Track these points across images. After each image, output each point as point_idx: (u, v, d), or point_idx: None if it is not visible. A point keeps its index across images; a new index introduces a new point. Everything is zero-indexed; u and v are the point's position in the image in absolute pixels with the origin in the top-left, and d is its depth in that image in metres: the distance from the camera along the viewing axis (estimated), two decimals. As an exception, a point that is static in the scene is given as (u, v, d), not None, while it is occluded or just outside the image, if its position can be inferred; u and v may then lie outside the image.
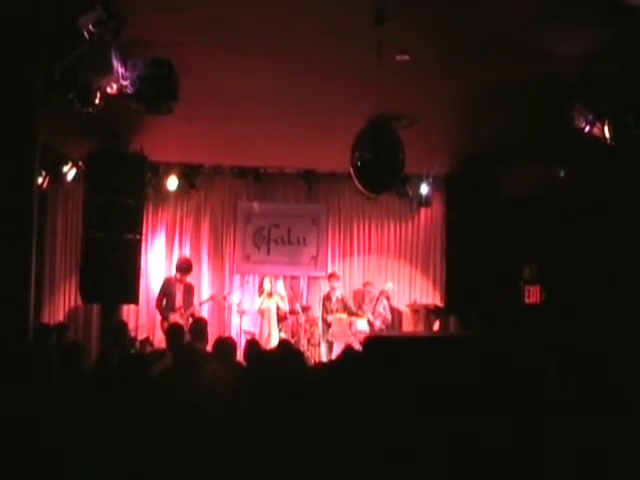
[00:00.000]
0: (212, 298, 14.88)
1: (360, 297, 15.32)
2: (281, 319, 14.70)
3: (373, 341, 6.75)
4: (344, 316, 14.41)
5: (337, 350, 13.58)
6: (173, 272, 14.50)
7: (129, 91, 8.06)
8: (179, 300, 13.91)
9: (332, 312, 14.56)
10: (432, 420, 4.61)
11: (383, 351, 5.31)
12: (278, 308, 14.58)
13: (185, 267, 14.18)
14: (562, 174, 12.64)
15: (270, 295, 14.57)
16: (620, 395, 5.01)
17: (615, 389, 5.08)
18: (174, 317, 13.43)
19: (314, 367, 7.63)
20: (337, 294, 14.76)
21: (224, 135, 12.30)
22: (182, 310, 13.74)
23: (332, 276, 14.94)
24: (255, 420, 4.80)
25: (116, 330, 10.54)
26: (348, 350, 6.93)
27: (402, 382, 4.82)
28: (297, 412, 4.85)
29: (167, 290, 13.89)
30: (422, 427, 4.56)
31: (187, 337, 9.25)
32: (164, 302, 13.78)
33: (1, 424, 4.69)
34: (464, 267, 13.78)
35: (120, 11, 7.17)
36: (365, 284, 15.14)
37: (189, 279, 14.25)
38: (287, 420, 4.73)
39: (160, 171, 14.54)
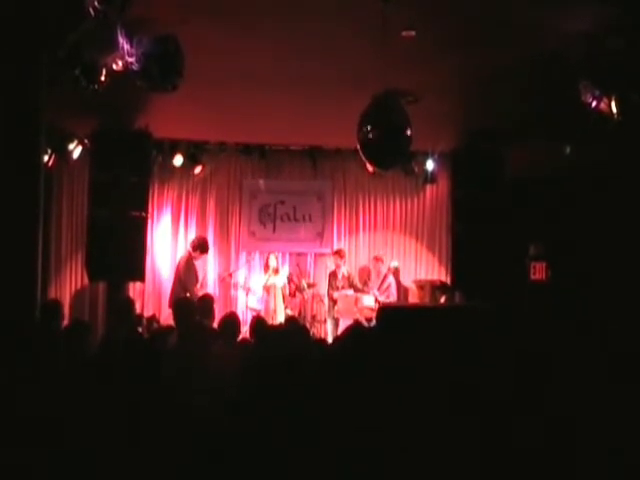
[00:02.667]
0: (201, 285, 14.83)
1: (366, 274, 15.36)
2: (289, 295, 14.77)
3: (386, 310, 6.78)
4: (350, 292, 14.41)
5: (343, 327, 13.58)
6: (180, 249, 14.54)
7: (135, 68, 8.04)
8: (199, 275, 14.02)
9: (338, 289, 14.56)
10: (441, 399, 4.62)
11: (396, 320, 5.32)
12: (285, 285, 14.64)
13: (205, 246, 14.18)
14: (568, 150, 12.62)
15: (276, 271, 14.60)
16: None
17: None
18: (197, 291, 13.46)
19: (321, 343, 7.63)
20: (343, 271, 14.75)
21: (229, 112, 12.28)
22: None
23: (338, 253, 14.92)
24: (261, 398, 4.81)
25: (122, 308, 10.55)
26: (355, 326, 6.94)
27: (414, 353, 4.83)
28: (304, 390, 4.86)
29: (191, 267, 13.88)
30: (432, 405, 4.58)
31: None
32: (188, 279, 13.74)
33: (7, 404, 4.71)
34: (470, 243, 13.80)
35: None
36: (375, 258, 15.14)
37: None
38: (294, 398, 4.73)
39: (165, 148, 14.51)
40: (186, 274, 13.76)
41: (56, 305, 9.14)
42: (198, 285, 13.96)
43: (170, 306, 13.22)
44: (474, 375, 4.78)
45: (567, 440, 4.47)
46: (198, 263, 14.38)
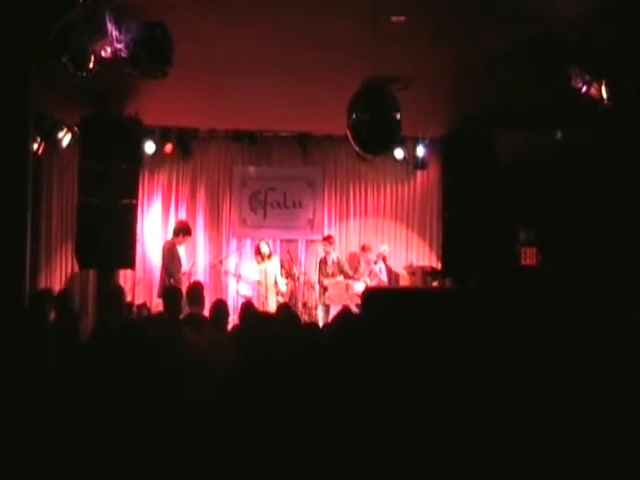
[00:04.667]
0: (190, 273, 14.74)
1: (356, 260, 15.35)
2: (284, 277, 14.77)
3: (371, 294, 6.76)
4: (341, 279, 14.43)
5: (334, 313, 13.58)
6: (170, 236, 14.49)
7: (123, 55, 8.02)
8: (184, 262, 14.01)
9: (328, 276, 14.56)
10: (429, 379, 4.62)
11: (381, 302, 5.33)
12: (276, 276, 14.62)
13: (186, 229, 14.18)
14: (559, 135, 12.63)
15: (269, 257, 14.57)
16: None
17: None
18: (182, 276, 13.50)
19: (311, 328, 7.62)
20: (333, 257, 14.75)
21: (219, 99, 12.25)
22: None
23: (327, 239, 14.92)
24: (252, 383, 4.81)
25: (113, 295, 10.52)
26: (345, 311, 6.93)
27: (400, 336, 4.84)
28: (294, 374, 4.86)
29: (174, 253, 13.87)
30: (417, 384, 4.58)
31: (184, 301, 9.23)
32: (172, 266, 13.74)
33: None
34: (460, 229, 13.81)
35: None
36: (362, 248, 15.13)
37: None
38: (285, 382, 4.73)
39: (155, 135, 14.48)
40: (169, 260, 13.77)
41: (46, 293, 9.13)
42: (183, 270, 13.95)
43: (159, 295, 13.24)
44: (461, 357, 4.78)
45: (560, 428, 4.48)
46: (188, 250, 14.40)
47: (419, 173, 15.94)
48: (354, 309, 12.48)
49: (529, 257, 13.94)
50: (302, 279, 15.03)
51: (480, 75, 10.35)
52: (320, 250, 15.16)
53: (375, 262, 14.76)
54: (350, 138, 8.67)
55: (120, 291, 10.60)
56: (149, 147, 14.50)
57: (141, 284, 14.95)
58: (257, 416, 4.46)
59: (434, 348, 4.81)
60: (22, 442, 4.33)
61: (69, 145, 13.42)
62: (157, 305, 12.78)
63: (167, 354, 6.13)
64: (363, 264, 15.02)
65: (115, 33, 7.84)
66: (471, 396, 4.52)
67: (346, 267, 14.89)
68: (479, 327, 5.09)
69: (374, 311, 5.45)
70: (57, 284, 14.29)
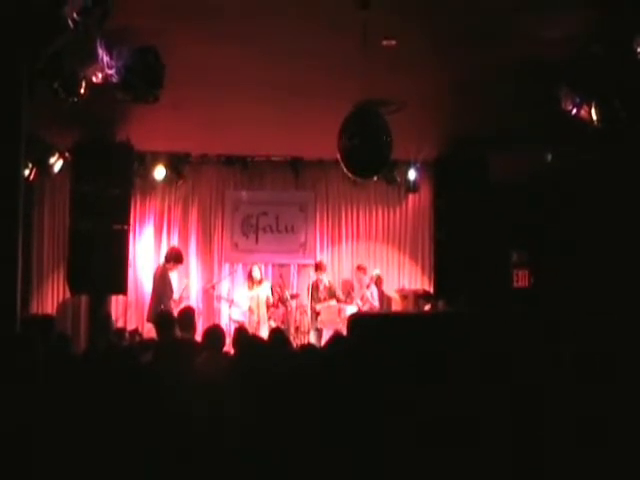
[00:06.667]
0: (181, 298, 14.61)
1: (349, 284, 15.34)
2: (272, 306, 14.70)
3: (357, 319, 6.79)
4: (333, 303, 14.41)
5: (326, 337, 13.56)
6: (162, 261, 14.47)
7: (114, 80, 8.03)
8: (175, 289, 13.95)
9: (320, 300, 14.55)
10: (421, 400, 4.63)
11: (367, 328, 5.35)
12: (268, 297, 14.58)
13: (179, 256, 14.14)
14: (549, 158, 12.65)
15: (260, 282, 14.56)
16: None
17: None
18: (175, 305, 13.41)
19: (302, 351, 7.61)
20: (324, 282, 14.75)
21: (211, 123, 12.27)
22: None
23: (318, 266, 14.92)
24: (245, 408, 4.80)
25: (100, 321, 10.50)
26: (337, 335, 6.93)
27: (387, 359, 4.84)
28: (287, 399, 4.85)
29: (166, 279, 13.83)
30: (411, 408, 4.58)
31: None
32: (163, 292, 13.68)
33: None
34: (452, 252, 13.82)
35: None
36: (358, 268, 15.14)
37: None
38: (278, 408, 4.73)
39: (147, 160, 14.48)
40: (161, 286, 13.70)
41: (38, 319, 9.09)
42: (175, 296, 13.87)
43: (148, 320, 13.19)
44: (441, 384, 4.79)
45: (539, 447, 4.49)
46: (180, 275, 14.36)
47: (411, 196, 15.97)
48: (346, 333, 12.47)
49: (521, 279, 13.96)
50: (294, 304, 14.99)
51: (471, 97, 10.38)
52: (312, 275, 15.15)
53: (367, 286, 14.78)
54: (341, 162, 8.69)
55: (107, 317, 10.58)
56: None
57: (133, 309, 14.90)
58: (249, 436, 4.46)
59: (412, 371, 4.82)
60: (13, 466, 4.31)
61: (61, 170, 13.41)
62: (149, 330, 12.74)
63: (157, 379, 6.12)
64: (357, 285, 15.03)
65: (106, 59, 7.85)
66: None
67: (338, 292, 14.89)
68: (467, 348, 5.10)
69: (360, 338, 5.47)
70: (49, 309, 14.26)
